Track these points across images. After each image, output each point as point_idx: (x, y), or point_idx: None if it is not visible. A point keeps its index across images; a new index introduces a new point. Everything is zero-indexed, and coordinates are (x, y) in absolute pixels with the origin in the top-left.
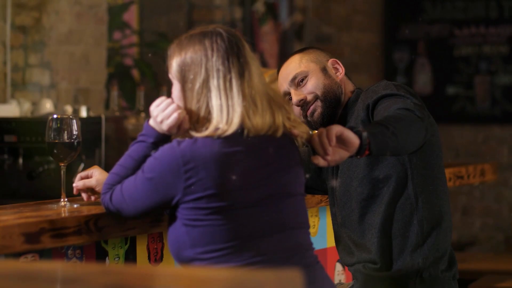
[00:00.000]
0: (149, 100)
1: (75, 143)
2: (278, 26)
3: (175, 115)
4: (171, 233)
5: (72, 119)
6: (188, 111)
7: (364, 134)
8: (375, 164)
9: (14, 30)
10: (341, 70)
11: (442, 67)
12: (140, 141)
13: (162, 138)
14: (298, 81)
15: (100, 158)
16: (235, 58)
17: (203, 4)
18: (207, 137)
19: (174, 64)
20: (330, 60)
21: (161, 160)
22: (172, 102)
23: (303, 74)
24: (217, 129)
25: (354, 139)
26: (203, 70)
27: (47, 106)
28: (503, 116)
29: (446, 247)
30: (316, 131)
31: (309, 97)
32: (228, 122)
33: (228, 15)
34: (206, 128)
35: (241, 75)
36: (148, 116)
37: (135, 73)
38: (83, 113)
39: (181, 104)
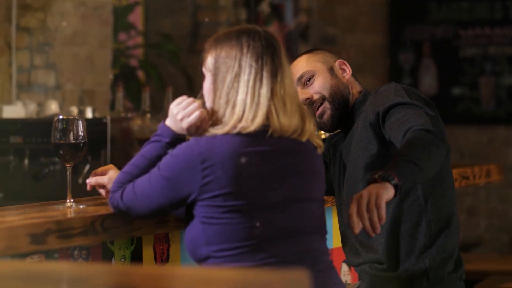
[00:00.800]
0: (155, 101)
1: (81, 144)
2: (283, 27)
3: (197, 113)
4: (188, 232)
5: (77, 120)
6: (216, 105)
7: (399, 184)
8: (383, 166)
9: (19, 32)
10: (348, 71)
11: (447, 68)
12: (154, 141)
13: (178, 139)
14: (305, 80)
15: (105, 159)
16: (269, 58)
17: (208, 5)
18: (227, 134)
19: (209, 58)
20: (337, 61)
21: (178, 158)
22: (194, 101)
23: (310, 73)
24: (237, 125)
25: (392, 194)
26: (236, 65)
27: (53, 107)
28: (508, 117)
29: (454, 248)
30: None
31: (316, 97)
32: (251, 119)
33: (233, 16)
34: (227, 124)
35: (274, 75)
36: (152, 117)
37: (141, 74)
38: (89, 114)
39: (210, 96)
